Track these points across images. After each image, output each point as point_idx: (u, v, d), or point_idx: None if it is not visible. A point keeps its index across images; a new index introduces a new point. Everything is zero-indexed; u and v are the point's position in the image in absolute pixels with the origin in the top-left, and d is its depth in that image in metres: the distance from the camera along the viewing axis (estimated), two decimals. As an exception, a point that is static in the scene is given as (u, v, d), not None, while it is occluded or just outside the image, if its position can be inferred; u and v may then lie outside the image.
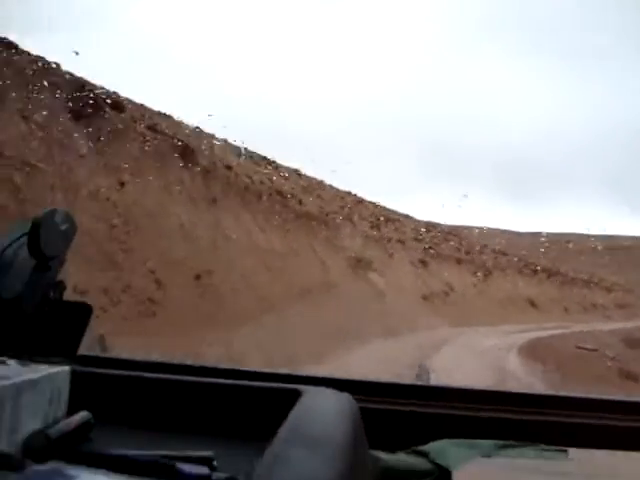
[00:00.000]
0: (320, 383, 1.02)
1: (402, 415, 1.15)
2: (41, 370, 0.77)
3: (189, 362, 1.28)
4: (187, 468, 0.70)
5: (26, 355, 0.90)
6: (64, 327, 1.08)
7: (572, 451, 1.08)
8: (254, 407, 0.96)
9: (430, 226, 33.36)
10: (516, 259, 37.68)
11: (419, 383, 1.56)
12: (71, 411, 0.82)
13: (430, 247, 27.16)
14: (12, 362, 0.79)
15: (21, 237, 1.04)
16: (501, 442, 1.08)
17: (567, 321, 29.59)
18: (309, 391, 0.93)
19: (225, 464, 0.76)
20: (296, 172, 23.98)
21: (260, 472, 0.62)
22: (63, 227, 1.02)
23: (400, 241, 25.66)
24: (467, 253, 31.71)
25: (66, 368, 0.84)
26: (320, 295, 14.86)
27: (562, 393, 1.31)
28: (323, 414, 0.83)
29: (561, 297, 37.59)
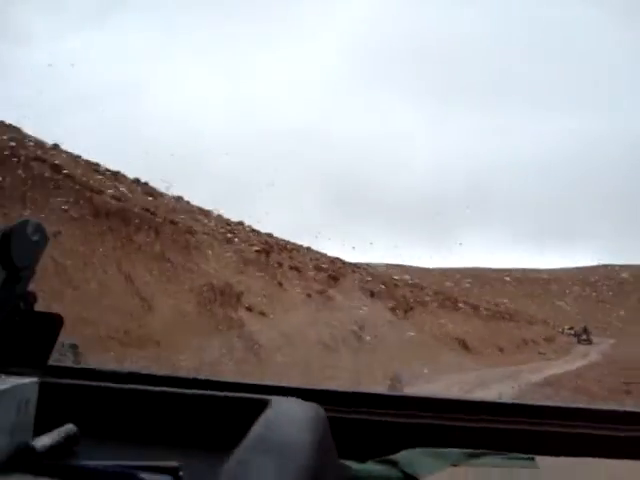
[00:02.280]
0: (289, 393, 1.02)
1: (373, 425, 1.16)
2: (9, 381, 0.75)
3: (159, 372, 1.25)
4: (152, 478, 0.73)
5: None
6: (34, 338, 1.08)
7: (540, 459, 1.10)
8: (221, 417, 0.96)
9: (335, 260, 27.32)
10: (433, 293, 33.89)
11: (390, 393, 1.61)
12: (38, 422, 0.80)
13: (335, 276, 20.49)
14: None
15: None
16: (470, 451, 1.10)
17: (508, 363, 24.76)
18: (276, 401, 0.94)
19: (191, 474, 0.78)
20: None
21: (223, 479, 0.64)
22: (34, 238, 1.02)
23: (295, 268, 18.90)
24: (382, 284, 25.35)
25: (34, 379, 0.80)
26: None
27: (530, 402, 1.31)
28: (288, 423, 0.85)
29: (490, 334, 32.44)
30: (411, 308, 24.48)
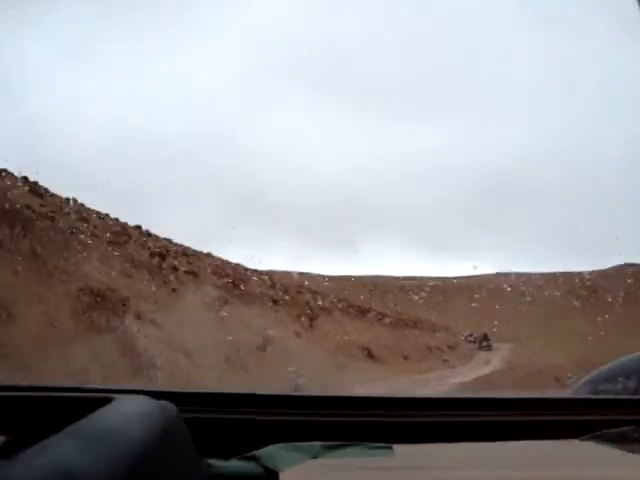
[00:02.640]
0: (143, 394, 1.00)
1: (237, 423, 1.19)
2: None
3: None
4: None
5: None
6: None
7: (397, 447, 1.15)
8: (65, 417, 0.86)
9: (237, 266, 25.79)
10: (337, 300, 32.34)
11: (252, 392, 1.35)
12: None
13: (235, 283, 19.03)
14: None
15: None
16: (329, 443, 1.13)
17: (414, 371, 24.49)
18: (120, 398, 0.91)
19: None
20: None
21: (23, 456, 0.61)
22: None
23: (192, 273, 17.31)
24: (285, 292, 24.09)
25: None
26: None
27: (382, 395, 1.47)
28: (122, 415, 0.82)
29: (395, 342, 31.99)
30: (316, 317, 23.33)
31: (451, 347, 40.77)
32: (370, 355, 25.12)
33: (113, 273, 12.53)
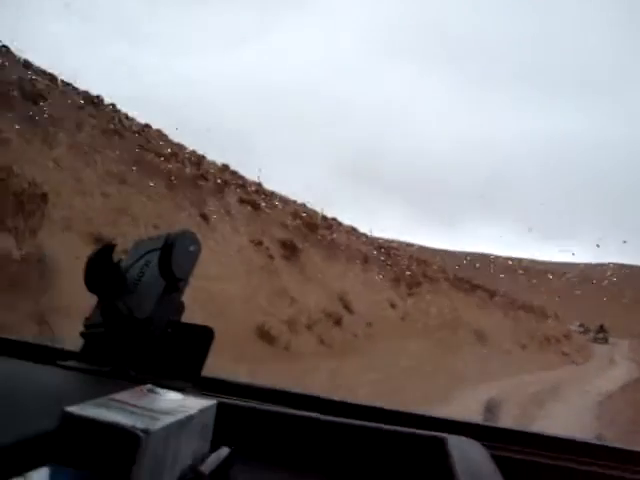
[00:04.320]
0: (455, 428, 0.99)
1: (537, 466, 1.04)
2: (195, 404, 0.73)
3: (315, 394, 1.17)
4: None
5: (153, 377, 0.89)
6: (188, 350, 1.05)
7: None
8: (395, 453, 0.92)
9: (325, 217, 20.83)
10: (442, 271, 28.21)
11: (556, 434, 1.15)
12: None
13: (312, 225, 13.98)
14: (161, 392, 0.74)
15: (146, 254, 1.07)
16: None
17: (537, 367, 19.03)
18: (452, 441, 0.91)
19: None
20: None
21: None
22: (191, 248, 1.04)
23: (248, 202, 12.40)
24: (380, 249, 18.92)
25: (214, 402, 0.77)
26: None
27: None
28: (479, 470, 0.83)
29: (510, 327, 26.50)
30: (418, 283, 18.00)
31: (567, 337, 36.11)
32: (484, 340, 19.65)
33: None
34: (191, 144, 17.53)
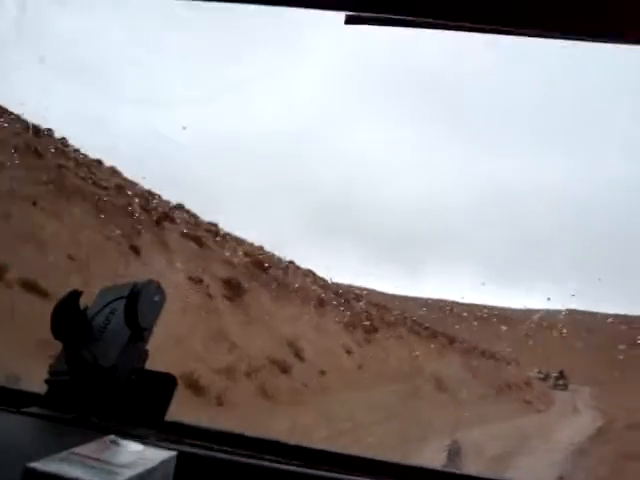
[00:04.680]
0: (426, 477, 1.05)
1: None
2: (156, 455, 0.74)
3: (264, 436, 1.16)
4: None
5: (116, 425, 0.90)
6: (151, 397, 1.05)
7: None
8: None
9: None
10: (401, 317, 26.96)
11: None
12: None
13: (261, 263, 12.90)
14: (123, 443, 0.74)
15: (113, 302, 1.09)
16: None
17: (498, 417, 18.01)
18: None
19: None
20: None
21: None
22: (156, 298, 1.07)
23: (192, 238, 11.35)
24: (338, 293, 17.88)
25: (174, 453, 0.78)
26: None
27: None
28: None
29: (468, 374, 25.60)
30: (375, 329, 16.99)
31: (528, 384, 35.53)
32: (444, 389, 18.64)
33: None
34: (151, 186, 16.49)
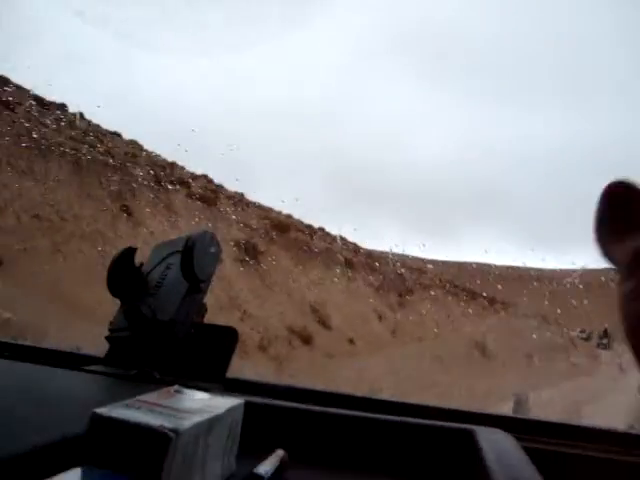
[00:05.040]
0: (485, 421, 0.98)
1: (579, 460, 1.04)
2: (223, 403, 0.73)
3: (342, 392, 1.18)
4: None
5: (180, 379, 0.87)
6: (212, 351, 1.05)
7: None
8: (425, 446, 0.93)
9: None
10: (437, 278, 25.38)
11: (588, 424, 1.15)
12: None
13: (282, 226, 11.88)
14: (187, 392, 0.73)
15: (168, 256, 1.08)
16: None
17: (549, 382, 15.81)
18: (481, 432, 0.92)
19: None
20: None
21: None
22: (212, 250, 1.04)
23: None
24: (368, 257, 16.71)
25: (241, 401, 0.77)
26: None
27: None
28: (510, 458, 0.82)
29: (511, 336, 24.40)
30: (410, 291, 15.82)
31: (572, 344, 34.34)
32: (487, 354, 17.45)
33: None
34: (177, 158, 15.41)
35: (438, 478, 0.84)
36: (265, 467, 0.75)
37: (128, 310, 1.01)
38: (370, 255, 19.63)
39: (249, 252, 9.76)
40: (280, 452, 0.79)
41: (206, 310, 1.06)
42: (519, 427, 1.03)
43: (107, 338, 1.05)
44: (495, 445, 0.85)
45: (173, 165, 15.01)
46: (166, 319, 0.98)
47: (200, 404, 0.68)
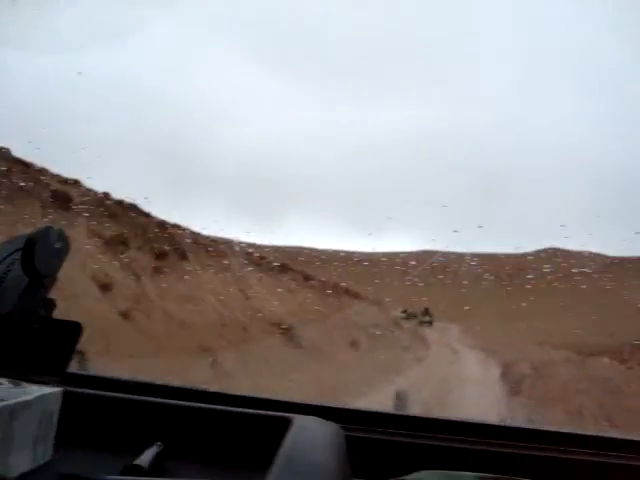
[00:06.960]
0: (307, 411, 1.03)
1: (387, 445, 1.13)
2: (34, 391, 0.74)
3: (175, 384, 1.23)
4: None
5: (15, 374, 0.88)
6: (54, 346, 1.02)
7: None
8: (248, 434, 0.96)
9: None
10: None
11: (405, 413, 1.39)
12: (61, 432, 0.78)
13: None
14: (4, 381, 0.76)
15: (13, 253, 1.03)
16: (483, 474, 1.05)
17: (374, 371, 11.90)
18: (298, 420, 0.95)
19: None
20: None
21: None
22: (57, 245, 1.01)
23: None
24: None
25: (58, 390, 0.80)
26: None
27: (549, 427, 1.24)
28: (314, 445, 0.85)
29: (329, 313, 20.42)
30: (184, 256, 10.78)
31: (397, 325, 32.29)
32: (292, 339, 12.82)
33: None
34: None
35: (253, 462, 0.84)
36: (146, 459, 0.77)
37: None
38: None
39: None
40: (158, 444, 0.81)
41: (55, 305, 1.00)
42: (345, 417, 1.10)
43: None
44: (305, 432, 0.86)
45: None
46: (4, 312, 0.93)
47: (9, 392, 0.67)
